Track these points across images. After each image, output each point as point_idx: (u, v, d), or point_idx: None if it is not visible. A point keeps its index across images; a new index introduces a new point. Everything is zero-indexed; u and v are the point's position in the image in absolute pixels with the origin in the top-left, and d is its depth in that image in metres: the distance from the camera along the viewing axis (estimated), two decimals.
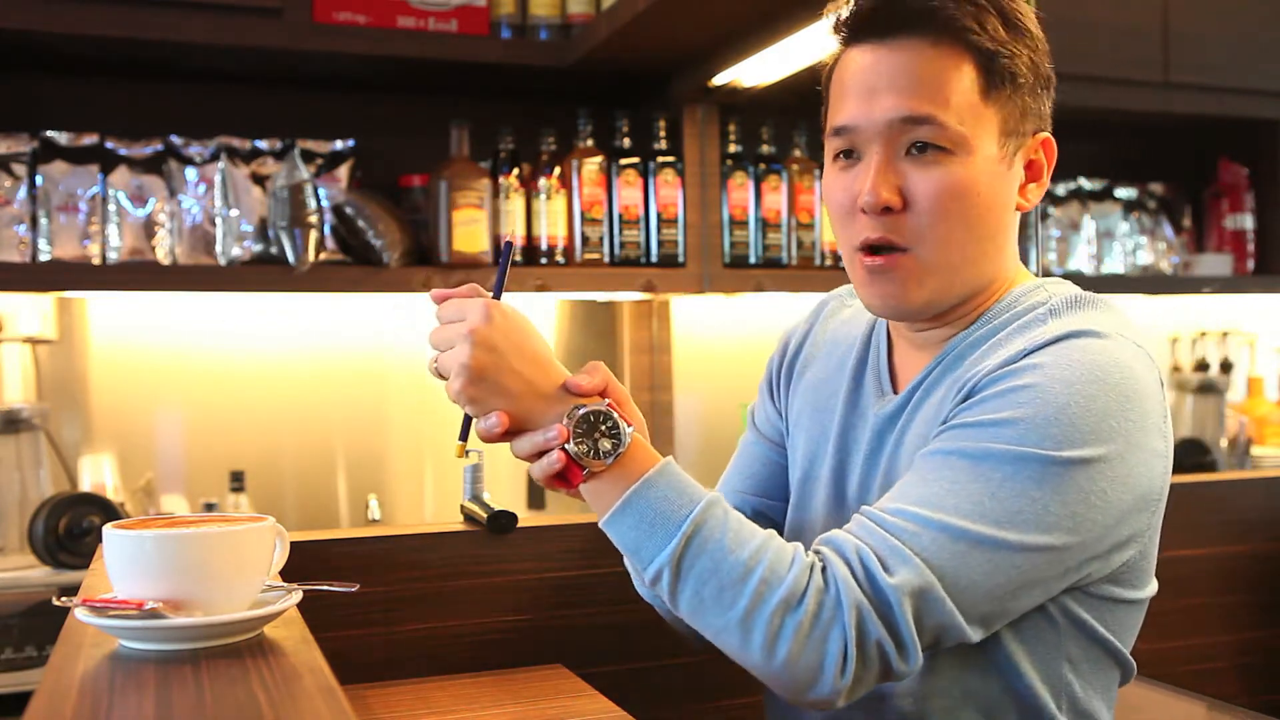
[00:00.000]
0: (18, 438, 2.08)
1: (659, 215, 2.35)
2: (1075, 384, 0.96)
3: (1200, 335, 3.05)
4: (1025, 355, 0.99)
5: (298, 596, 0.95)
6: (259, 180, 2.19)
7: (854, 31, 1.06)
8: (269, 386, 2.37)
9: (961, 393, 1.01)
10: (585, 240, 2.30)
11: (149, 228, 2.14)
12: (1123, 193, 2.93)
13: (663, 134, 2.37)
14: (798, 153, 2.49)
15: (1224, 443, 2.92)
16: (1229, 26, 2.72)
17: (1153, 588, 1.08)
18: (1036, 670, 1.03)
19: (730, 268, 2.40)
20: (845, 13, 1.07)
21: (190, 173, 2.17)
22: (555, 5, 2.29)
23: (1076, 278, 2.68)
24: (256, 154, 2.21)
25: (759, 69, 2.12)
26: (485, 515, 1.44)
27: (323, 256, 2.15)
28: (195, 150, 2.18)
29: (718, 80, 2.21)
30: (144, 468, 2.28)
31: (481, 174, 2.23)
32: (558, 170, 2.30)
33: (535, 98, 2.46)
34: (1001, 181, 1.06)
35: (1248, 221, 2.95)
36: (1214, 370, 3.00)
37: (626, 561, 1.05)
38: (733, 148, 2.43)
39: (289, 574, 1.01)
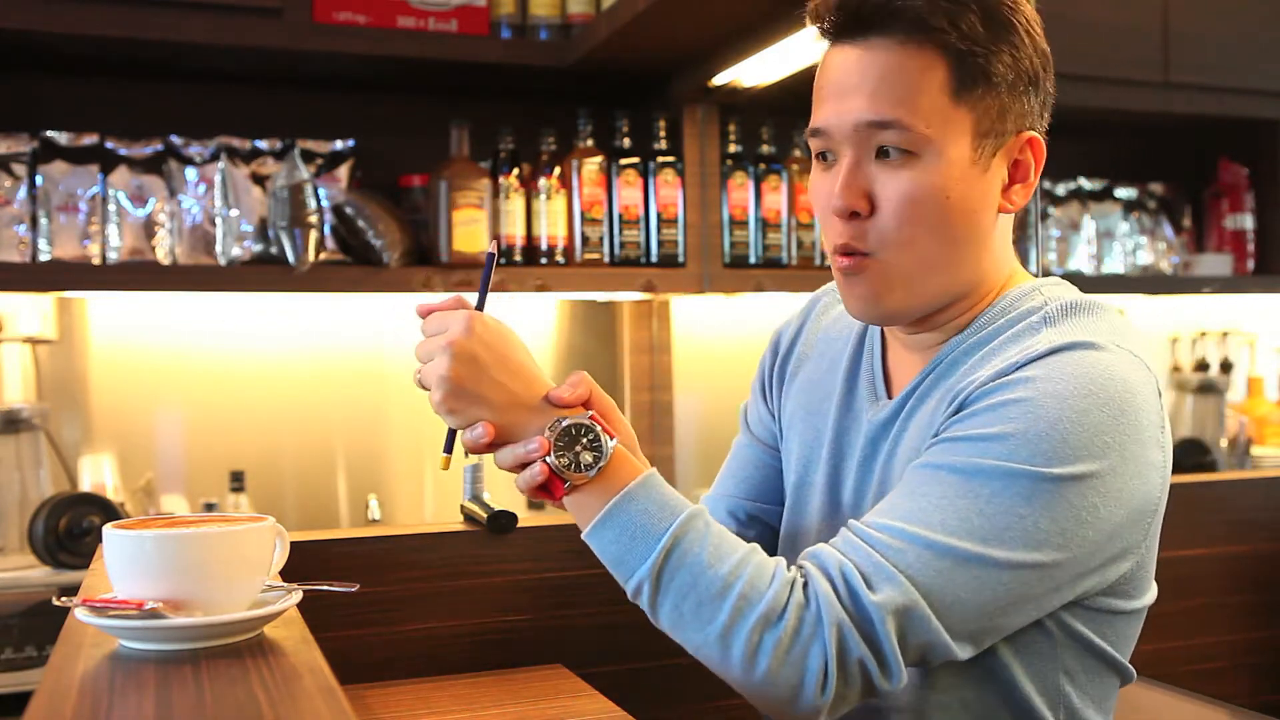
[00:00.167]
0: (18, 438, 2.08)
1: (659, 215, 2.35)
2: (1068, 398, 0.94)
3: (1200, 335, 3.05)
4: (1018, 368, 0.97)
5: (298, 596, 0.95)
6: (259, 180, 2.19)
7: (833, 31, 1.05)
8: (269, 386, 2.37)
9: (954, 404, 1.00)
10: (585, 240, 2.30)
11: (149, 228, 2.14)
12: (1123, 193, 2.93)
13: (663, 134, 2.37)
14: (798, 153, 2.49)
15: (1224, 443, 2.92)
16: (1229, 26, 2.72)
17: (1151, 595, 1.07)
18: (1033, 682, 1.02)
19: (730, 268, 2.40)
20: (819, 10, 1.05)
21: (190, 173, 2.17)
22: (555, 5, 2.29)
23: (1076, 278, 2.69)
24: (256, 154, 2.21)
25: (759, 69, 2.12)
26: (485, 515, 1.44)
27: (323, 256, 2.15)
28: (195, 150, 2.18)
29: (718, 80, 2.21)
30: (144, 468, 2.28)
31: (481, 174, 2.23)
32: (558, 170, 2.30)
33: (535, 98, 2.46)
34: (975, 185, 1.03)
35: (1248, 221, 2.95)
36: (1214, 370, 3.00)
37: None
38: (733, 148, 2.43)
39: (289, 574, 1.01)
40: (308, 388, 2.39)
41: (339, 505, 2.41)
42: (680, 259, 2.37)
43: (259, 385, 2.36)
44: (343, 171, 2.27)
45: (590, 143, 2.33)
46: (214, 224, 2.16)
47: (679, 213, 2.36)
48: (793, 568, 0.96)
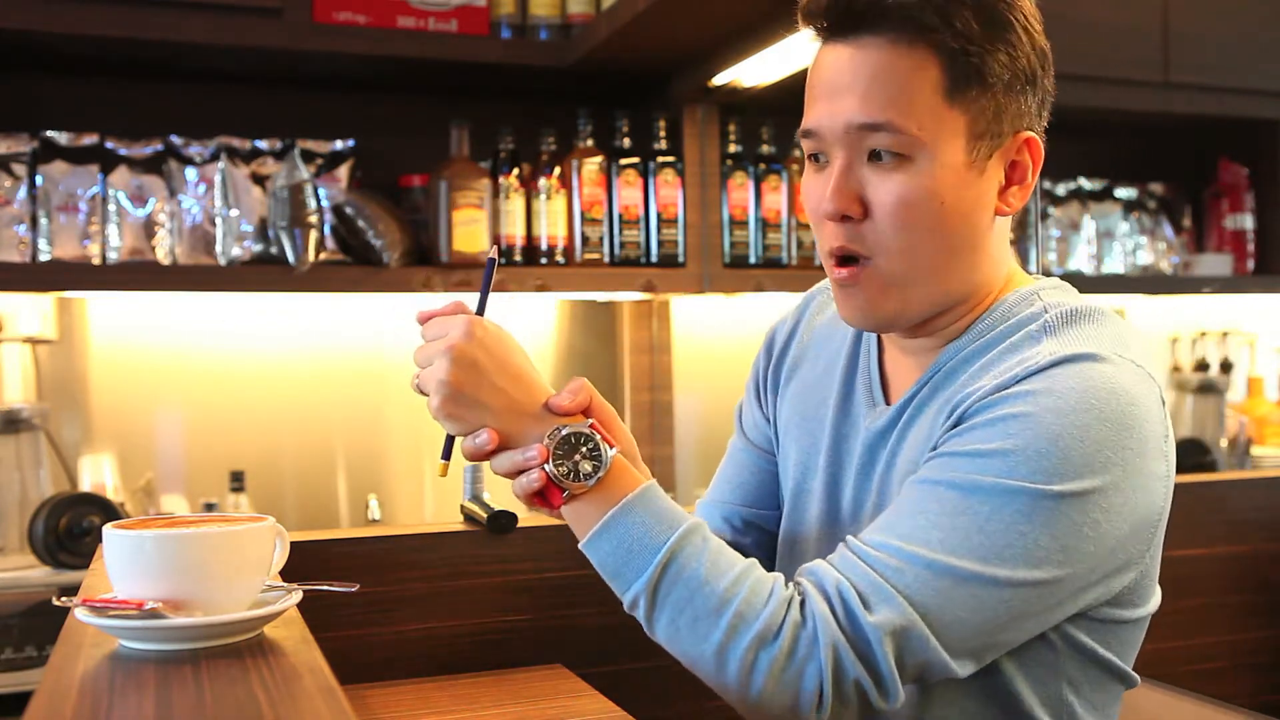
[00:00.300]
0: (18, 438, 2.08)
1: (659, 215, 2.35)
2: (1069, 413, 0.92)
3: (1200, 335, 3.05)
4: (1018, 381, 0.95)
5: (298, 596, 0.95)
6: (259, 180, 2.19)
7: (823, 27, 1.03)
8: (269, 386, 2.37)
9: (952, 416, 0.98)
10: (585, 240, 2.30)
11: (149, 228, 2.14)
12: (1123, 193, 2.93)
13: (663, 134, 2.37)
14: (798, 153, 2.49)
15: (1224, 443, 2.92)
16: (1229, 26, 2.72)
17: (1155, 602, 1.05)
18: (1036, 694, 1.00)
19: (730, 268, 2.40)
20: (810, 8, 1.03)
21: (190, 173, 2.17)
22: (555, 5, 2.29)
23: (1076, 278, 2.69)
24: (256, 154, 2.21)
25: (759, 69, 2.12)
26: (485, 515, 1.44)
27: (323, 256, 2.15)
28: (195, 150, 2.18)
29: (718, 80, 2.21)
30: (144, 468, 2.28)
31: (481, 174, 2.23)
32: (558, 170, 2.30)
33: (535, 98, 2.46)
34: (970, 188, 1.00)
35: (1248, 221, 2.95)
36: (1214, 370, 3.01)
37: None
38: (733, 148, 2.43)
39: (289, 574, 1.01)
40: (308, 388, 2.39)
41: (339, 505, 2.41)
42: (680, 259, 2.37)
43: (259, 385, 2.36)
44: (343, 171, 2.27)
45: (590, 143, 2.33)
46: (214, 224, 2.16)
47: (679, 213, 2.36)
48: (790, 585, 0.95)
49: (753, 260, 2.42)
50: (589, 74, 2.30)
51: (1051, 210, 2.82)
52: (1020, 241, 2.55)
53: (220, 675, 0.80)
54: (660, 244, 2.35)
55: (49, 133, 2.10)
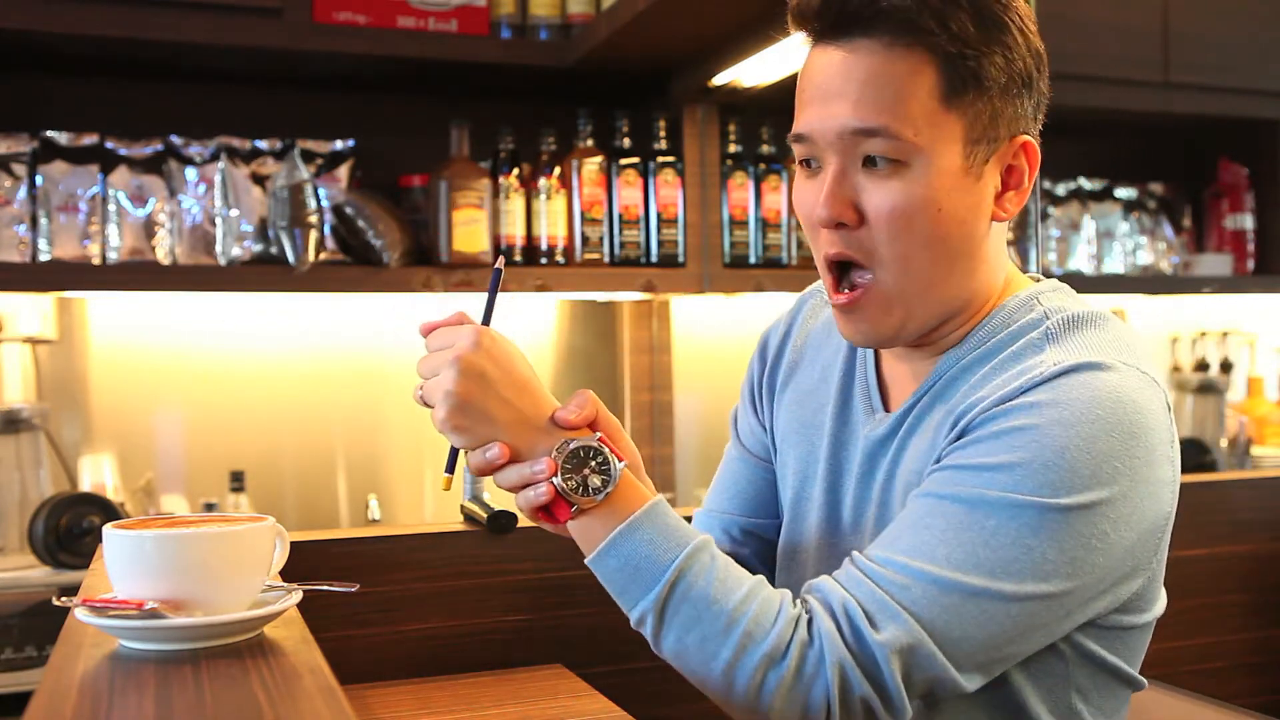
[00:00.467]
0: (18, 438, 2.08)
1: (659, 215, 2.35)
2: (1075, 425, 0.91)
3: (1200, 335, 3.05)
4: (1023, 393, 0.94)
5: (298, 596, 0.95)
6: (259, 180, 2.19)
7: (815, 29, 1.00)
8: (269, 386, 2.37)
9: (956, 428, 0.97)
10: (585, 240, 2.30)
11: (149, 228, 2.14)
12: (1123, 193, 2.93)
13: (663, 134, 2.37)
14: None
15: (1224, 443, 2.92)
16: (1229, 26, 2.72)
17: (1161, 605, 1.04)
18: (1045, 703, 1.00)
19: (730, 268, 2.40)
20: (801, 10, 1.01)
21: (190, 173, 2.17)
22: (555, 5, 2.28)
23: (1076, 278, 2.69)
24: (256, 154, 2.21)
25: (759, 69, 2.12)
26: (485, 515, 1.44)
27: (323, 256, 2.15)
28: (195, 150, 2.18)
29: (718, 80, 2.21)
30: (144, 468, 2.28)
31: (481, 174, 2.23)
32: (558, 170, 2.30)
33: (535, 98, 2.46)
34: (967, 194, 0.99)
35: (1248, 221, 2.95)
36: (1214, 370, 3.01)
37: None
38: (733, 148, 2.43)
39: (289, 574, 1.01)
40: (308, 388, 2.39)
41: (339, 505, 2.41)
42: (680, 259, 2.37)
43: (259, 385, 2.36)
44: (343, 171, 2.27)
45: (590, 143, 2.33)
46: (214, 224, 2.16)
47: (679, 213, 2.36)
48: (797, 602, 0.95)
49: (753, 260, 2.42)
50: (589, 74, 2.30)
51: (1051, 210, 2.82)
52: (1020, 242, 2.55)
53: (220, 675, 0.80)
54: (660, 244, 2.35)
55: (49, 133, 2.10)
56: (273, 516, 0.96)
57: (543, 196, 2.28)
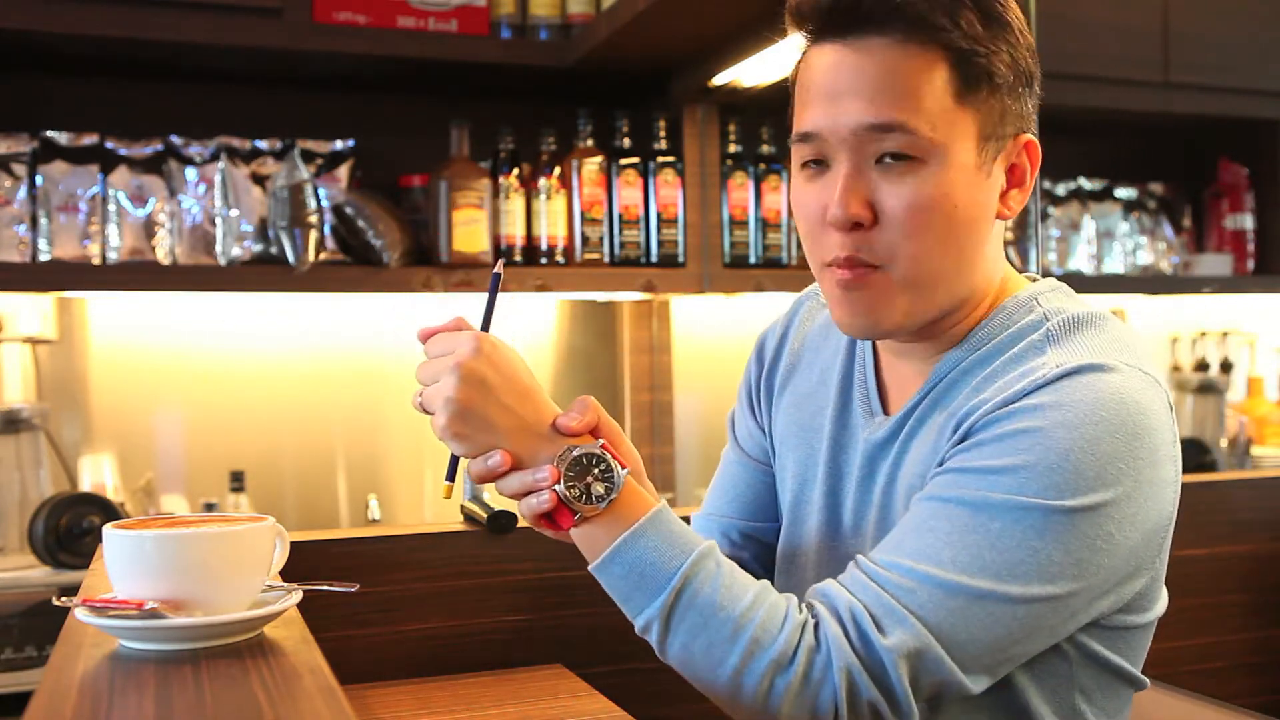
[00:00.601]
0: (18, 438, 2.08)
1: (659, 215, 2.35)
2: (1079, 427, 0.91)
3: (1200, 335, 3.06)
4: (1026, 395, 0.93)
5: (298, 596, 0.95)
6: (259, 180, 2.19)
7: (818, 27, 0.99)
8: (269, 386, 2.37)
9: (958, 431, 0.96)
10: (585, 240, 2.30)
11: (149, 228, 2.14)
12: (1123, 193, 2.93)
13: (663, 134, 2.37)
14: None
15: (1224, 443, 2.92)
16: (1229, 26, 2.72)
17: (1163, 604, 1.04)
18: (1049, 704, 0.99)
19: (730, 268, 2.40)
20: (803, 9, 0.99)
21: (190, 173, 2.17)
22: (555, 5, 2.29)
23: (1076, 278, 2.69)
24: (256, 154, 2.21)
25: (759, 69, 2.12)
26: (485, 515, 1.44)
27: (323, 256, 2.15)
28: (195, 150, 2.18)
29: (718, 80, 2.21)
30: (144, 468, 2.28)
31: (481, 174, 2.23)
32: (558, 170, 2.30)
33: (535, 98, 2.46)
34: (979, 191, 0.99)
35: (1248, 221, 2.96)
36: (1214, 370, 3.01)
37: None
38: (733, 148, 2.43)
39: (289, 574, 1.01)
40: (308, 388, 2.39)
41: (339, 505, 2.41)
42: (680, 259, 2.37)
43: (259, 385, 2.36)
44: (343, 171, 2.27)
45: (590, 143, 2.33)
46: (214, 224, 2.16)
47: (679, 213, 2.36)
48: (803, 607, 0.95)
49: (753, 260, 2.42)
50: (589, 74, 2.30)
51: (1051, 210, 2.82)
52: (1020, 242, 2.55)
53: (220, 675, 0.80)
54: (660, 244, 2.35)
55: (49, 133, 2.10)
56: (273, 516, 0.96)
57: (543, 196, 2.28)
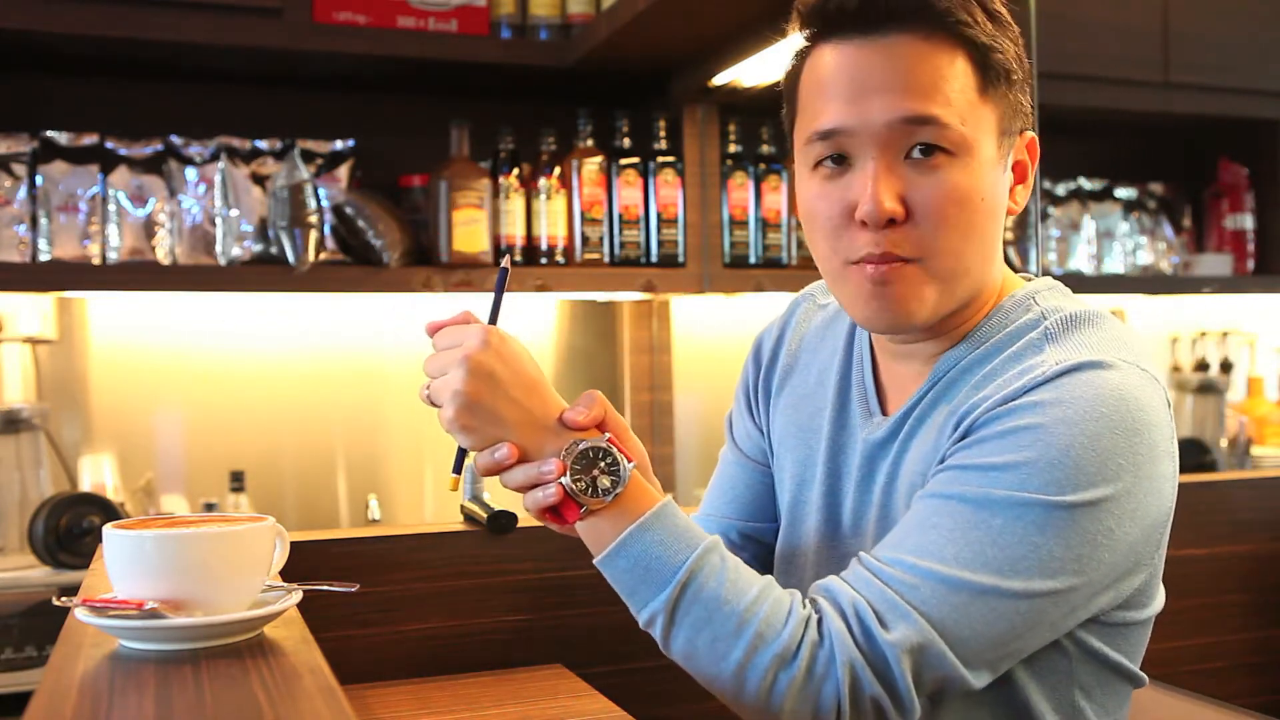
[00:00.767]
0: (18, 438, 2.09)
1: (659, 215, 2.35)
2: (1079, 423, 0.91)
3: (1200, 335, 3.06)
4: (1026, 392, 0.94)
5: (298, 596, 0.95)
6: (259, 180, 2.19)
7: (832, 26, 0.99)
8: (269, 386, 2.37)
9: (959, 429, 0.97)
10: (585, 240, 2.30)
11: (149, 228, 2.14)
12: (1123, 193, 2.93)
13: (663, 134, 2.37)
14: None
15: (1224, 443, 2.92)
16: (1229, 26, 2.72)
17: (1161, 601, 1.05)
18: (1048, 700, 1.00)
19: (730, 268, 2.40)
20: (823, 4, 0.99)
21: (190, 173, 2.17)
22: (555, 5, 2.29)
23: (1076, 278, 2.69)
24: (256, 154, 2.21)
25: (759, 69, 2.12)
26: (485, 515, 1.44)
27: (323, 256, 2.15)
28: (195, 150, 2.18)
29: (718, 80, 2.21)
30: (144, 468, 2.28)
31: (481, 174, 2.23)
32: (558, 170, 2.30)
33: (535, 98, 2.46)
34: (1000, 185, 1.00)
35: (1248, 221, 2.96)
36: (1214, 370, 3.01)
37: None
38: (733, 148, 2.43)
39: (289, 574, 1.01)
40: (308, 388, 2.39)
41: (339, 505, 2.41)
42: (680, 259, 2.37)
43: (259, 385, 2.36)
44: (343, 171, 2.27)
45: (590, 143, 2.33)
46: (214, 224, 2.16)
47: (679, 213, 2.36)
48: (806, 603, 0.95)
49: (753, 260, 2.42)
50: (589, 74, 2.30)
51: (1051, 210, 2.82)
52: (1020, 242, 2.55)
53: (220, 675, 0.80)
54: (660, 244, 2.35)
55: (49, 133, 2.10)
56: (273, 516, 0.96)
57: (543, 196, 2.28)
